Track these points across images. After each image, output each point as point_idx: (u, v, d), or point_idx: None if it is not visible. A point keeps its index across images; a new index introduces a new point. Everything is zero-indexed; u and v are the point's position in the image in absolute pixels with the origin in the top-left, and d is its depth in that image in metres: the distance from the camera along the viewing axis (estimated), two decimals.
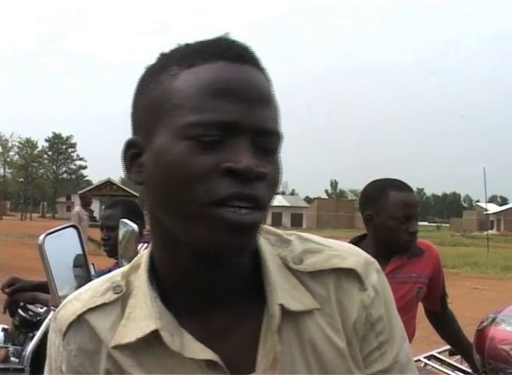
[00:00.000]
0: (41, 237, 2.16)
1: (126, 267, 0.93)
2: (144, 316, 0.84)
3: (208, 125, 0.78)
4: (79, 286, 2.34)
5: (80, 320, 0.88)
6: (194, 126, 0.78)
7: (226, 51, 0.81)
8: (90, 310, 0.88)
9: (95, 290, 0.90)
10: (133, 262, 0.93)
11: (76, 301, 0.90)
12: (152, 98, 0.83)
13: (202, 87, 0.79)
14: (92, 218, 54.88)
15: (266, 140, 0.81)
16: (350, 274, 0.89)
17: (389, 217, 2.47)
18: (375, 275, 0.91)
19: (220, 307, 0.86)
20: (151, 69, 0.86)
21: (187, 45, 0.86)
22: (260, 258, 0.88)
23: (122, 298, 0.88)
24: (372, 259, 0.92)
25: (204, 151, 0.78)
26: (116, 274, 0.92)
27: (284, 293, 0.85)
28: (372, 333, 0.89)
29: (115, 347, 0.85)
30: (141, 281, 0.88)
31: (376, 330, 0.89)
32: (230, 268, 0.85)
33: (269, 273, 0.87)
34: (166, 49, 0.87)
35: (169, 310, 0.85)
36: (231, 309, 0.86)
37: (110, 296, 0.88)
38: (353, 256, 0.91)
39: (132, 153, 0.85)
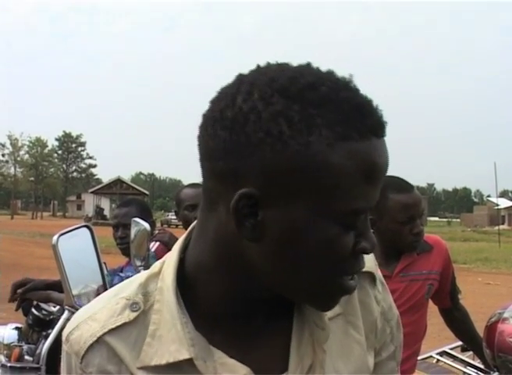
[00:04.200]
0: (55, 237, 2.18)
1: (141, 277, 0.88)
2: (172, 338, 0.81)
3: (363, 212, 0.78)
4: (96, 290, 2.36)
5: (99, 342, 0.83)
6: (350, 214, 0.76)
7: (378, 128, 0.77)
8: (111, 331, 0.83)
9: (111, 308, 0.85)
10: (149, 271, 0.88)
11: (91, 321, 0.85)
12: (297, 162, 0.73)
13: (360, 171, 0.74)
14: (102, 216, 55.09)
15: None
16: (365, 274, 0.92)
17: (391, 221, 2.43)
18: (378, 269, 0.97)
19: (252, 314, 0.86)
20: (283, 111, 0.73)
21: (324, 93, 0.75)
22: None
23: (142, 314, 0.84)
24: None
25: (346, 233, 0.77)
26: (130, 287, 0.87)
27: None
28: (385, 322, 0.96)
29: (142, 368, 0.82)
30: (165, 296, 0.84)
31: (388, 318, 0.96)
32: None
33: None
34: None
35: (198, 324, 0.83)
36: (261, 316, 0.87)
37: (129, 315, 0.84)
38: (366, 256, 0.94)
39: (244, 204, 0.76)
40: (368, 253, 0.80)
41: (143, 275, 0.88)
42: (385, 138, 0.78)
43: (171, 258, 0.87)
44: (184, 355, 0.81)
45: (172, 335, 0.81)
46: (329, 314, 0.88)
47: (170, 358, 0.81)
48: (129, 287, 0.87)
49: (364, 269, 0.90)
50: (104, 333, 0.83)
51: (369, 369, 0.92)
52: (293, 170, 0.73)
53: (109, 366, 0.83)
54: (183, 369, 0.81)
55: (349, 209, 0.75)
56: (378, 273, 0.96)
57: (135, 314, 0.84)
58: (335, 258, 0.77)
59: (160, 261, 0.89)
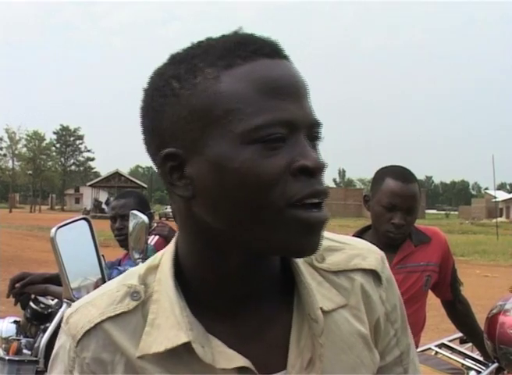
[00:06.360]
0: (53, 230, 2.17)
1: (141, 268, 0.89)
2: (171, 324, 0.81)
3: (272, 126, 0.75)
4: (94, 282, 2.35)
5: (96, 328, 0.83)
6: (259, 129, 0.75)
7: (263, 48, 0.79)
8: (109, 319, 0.83)
9: (112, 296, 0.85)
10: (148, 263, 0.89)
11: (91, 307, 0.85)
12: (192, 105, 0.77)
13: (254, 88, 0.76)
14: (100, 209, 55.22)
15: (315, 131, 0.80)
16: (370, 272, 0.92)
17: (376, 203, 2.44)
18: (386, 268, 0.94)
19: (250, 307, 0.85)
20: (173, 74, 0.80)
21: (208, 44, 0.81)
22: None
23: (141, 303, 0.84)
24: (381, 252, 0.96)
25: (270, 153, 0.75)
26: (131, 277, 0.87)
27: (316, 293, 0.86)
28: (389, 324, 0.93)
29: (141, 357, 0.81)
30: (163, 286, 0.84)
31: (391, 320, 0.94)
32: (268, 264, 0.85)
33: (302, 274, 0.86)
34: (174, 48, 0.82)
35: (197, 314, 0.83)
36: (260, 308, 0.85)
37: (129, 303, 0.84)
38: (371, 254, 0.94)
39: (171, 166, 0.80)
40: (309, 171, 0.76)
41: (143, 267, 0.89)
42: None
43: (169, 249, 0.88)
44: (182, 338, 0.80)
45: (170, 321, 0.81)
46: (331, 305, 0.86)
47: (168, 344, 0.80)
48: (131, 277, 0.87)
49: (368, 267, 0.91)
50: (103, 320, 0.83)
51: (373, 364, 0.90)
52: (191, 115, 0.77)
53: (104, 354, 0.83)
54: (182, 355, 0.81)
55: (254, 125, 0.75)
56: (386, 272, 0.93)
57: (135, 303, 0.84)
58: (264, 181, 0.74)
59: (160, 252, 0.89)
